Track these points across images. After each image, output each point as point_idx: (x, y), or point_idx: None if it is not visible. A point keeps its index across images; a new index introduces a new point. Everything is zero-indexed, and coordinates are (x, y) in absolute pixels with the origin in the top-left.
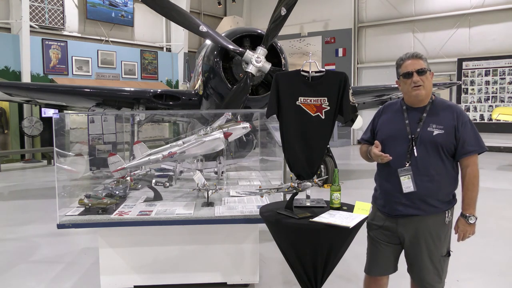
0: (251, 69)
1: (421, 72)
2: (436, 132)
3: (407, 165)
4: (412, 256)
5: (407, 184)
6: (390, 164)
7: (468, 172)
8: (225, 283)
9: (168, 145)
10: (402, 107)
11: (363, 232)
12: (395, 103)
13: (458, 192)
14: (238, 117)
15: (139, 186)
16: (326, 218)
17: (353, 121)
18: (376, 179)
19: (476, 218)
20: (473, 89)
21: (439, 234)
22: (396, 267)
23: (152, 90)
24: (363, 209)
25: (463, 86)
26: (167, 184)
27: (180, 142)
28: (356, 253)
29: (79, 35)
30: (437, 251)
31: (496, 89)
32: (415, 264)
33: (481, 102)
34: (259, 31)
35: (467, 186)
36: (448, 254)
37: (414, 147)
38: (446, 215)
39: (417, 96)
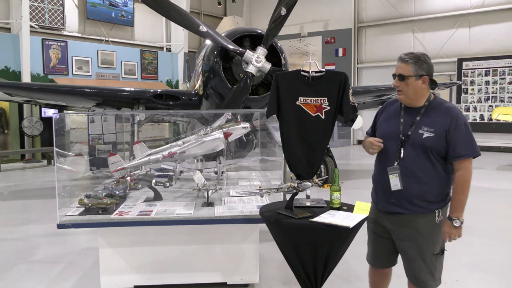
0: (251, 69)
1: (400, 77)
2: (426, 135)
3: (395, 164)
4: (403, 254)
5: (394, 182)
6: (382, 162)
7: (457, 176)
8: (225, 283)
9: (168, 145)
10: (401, 106)
11: (363, 232)
12: (396, 100)
13: None
14: (238, 117)
15: (139, 186)
16: (326, 218)
17: (353, 121)
18: (372, 176)
19: (462, 222)
20: (473, 89)
21: (429, 233)
22: (395, 260)
23: (152, 90)
24: (363, 209)
25: (463, 86)
26: (167, 184)
27: (180, 142)
28: (356, 253)
29: (79, 35)
30: (428, 250)
31: (496, 89)
32: (407, 262)
33: (481, 102)
34: (259, 31)
35: (456, 189)
36: (442, 252)
37: (402, 149)
38: (437, 214)
39: (399, 100)
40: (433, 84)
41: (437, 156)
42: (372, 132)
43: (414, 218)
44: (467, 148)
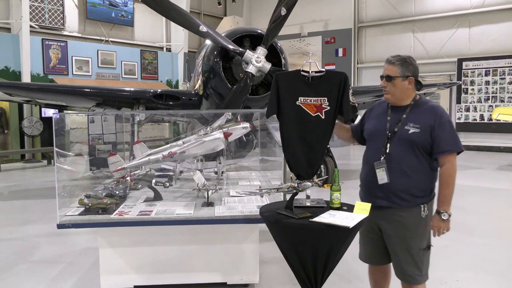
0: (251, 69)
1: (387, 78)
2: (412, 130)
3: (382, 158)
4: (391, 248)
5: (381, 176)
6: (369, 158)
7: (443, 170)
8: (225, 283)
9: (168, 145)
10: (388, 105)
11: None
12: (384, 101)
13: None
14: (238, 117)
15: (139, 186)
16: (326, 218)
17: (353, 121)
18: (360, 174)
19: (450, 215)
20: (473, 89)
21: (415, 227)
22: (388, 258)
23: (152, 90)
24: (363, 209)
25: (463, 86)
26: (167, 184)
27: (180, 142)
28: (356, 253)
29: (79, 35)
30: (414, 244)
31: (496, 89)
32: (394, 256)
33: (481, 102)
34: (259, 31)
35: (442, 183)
36: (428, 247)
37: (388, 144)
38: (422, 209)
39: (386, 99)
40: (418, 85)
41: (423, 151)
42: (358, 126)
43: (400, 212)
44: (451, 144)
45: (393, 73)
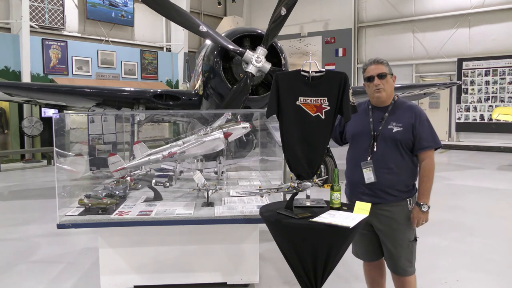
0: (251, 69)
1: (381, 76)
2: (395, 129)
3: (369, 158)
4: (383, 242)
5: (368, 175)
6: (355, 158)
7: (423, 165)
8: (225, 283)
9: (168, 145)
10: (368, 107)
11: None
12: (363, 103)
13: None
14: (238, 117)
15: (139, 186)
16: (326, 218)
17: None
18: (345, 173)
19: (429, 207)
20: (473, 89)
21: (405, 220)
22: (381, 253)
23: (152, 90)
24: (363, 209)
25: (463, 86)
26: (167, 184)
27: (180, 142)
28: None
29: (79, 35)
30: (405, 236)
31: (496, 89)
32: (387, 251)
33: (481, 102)
34: (259, 31)
35: (422, 177)
36: (415, 239)
37: (375, 143)
38: (409, 202)
39: (378, 98)
40: None
41: (406, 148)
42: (337, 129)
43: (388, 207)
44: (430, 141)
45: (384, 70)
